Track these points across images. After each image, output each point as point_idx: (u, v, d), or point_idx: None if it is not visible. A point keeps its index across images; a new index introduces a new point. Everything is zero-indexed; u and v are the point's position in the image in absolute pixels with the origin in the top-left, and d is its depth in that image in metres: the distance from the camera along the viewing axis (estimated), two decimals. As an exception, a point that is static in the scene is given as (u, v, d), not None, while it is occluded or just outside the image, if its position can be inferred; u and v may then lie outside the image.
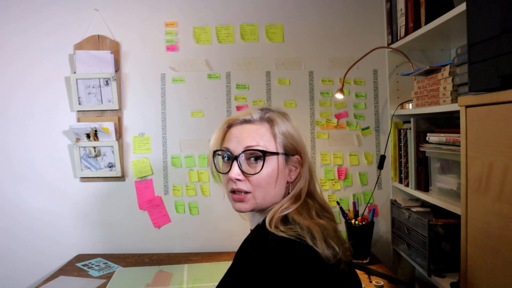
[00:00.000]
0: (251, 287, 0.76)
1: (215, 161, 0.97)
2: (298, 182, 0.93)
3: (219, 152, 0.95)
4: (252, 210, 0.93)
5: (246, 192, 0.90)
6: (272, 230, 0.82)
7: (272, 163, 0.90)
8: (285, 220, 0.85)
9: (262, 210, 0.93)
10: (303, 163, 0.94)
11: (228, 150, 0.92)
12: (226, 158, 0.94)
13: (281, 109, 0.99)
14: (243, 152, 0.90)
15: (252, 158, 0.90)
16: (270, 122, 0.93)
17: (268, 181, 0.89)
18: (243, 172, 0.90)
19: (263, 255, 0.79)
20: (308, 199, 0.92)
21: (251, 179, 0.89)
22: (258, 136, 0.91)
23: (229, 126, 0.96)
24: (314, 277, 0.77)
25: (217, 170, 0.97)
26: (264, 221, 0.87)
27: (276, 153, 0.90)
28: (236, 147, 0.91)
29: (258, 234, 0.87)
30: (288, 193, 0.93)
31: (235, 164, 0.90)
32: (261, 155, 0.89)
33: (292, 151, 0.93)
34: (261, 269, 0.77)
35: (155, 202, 1.98)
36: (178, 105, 1.98)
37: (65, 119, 1.95)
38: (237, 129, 0.94)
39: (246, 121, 0.94)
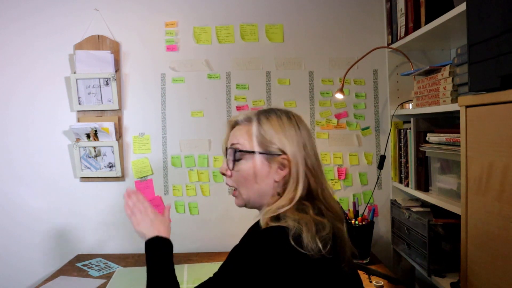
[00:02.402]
0: (235, 268, 0.82)
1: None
2: (288, 183, 0.92)
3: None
4: (245, 206, 0.99)
5: (236, 189, 0.98)
6: (263, 226, 0.86)
7: (249, 161, 0.94)
8: (277, 217, 0.86)
9: (259, 207, 0.97)
10: (291, 164, 0.92)
11: (226, 148, 1.01)
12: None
13: (276, 107, 1.01)
14: (226, 149, 0.99)
15: (233, 155, 0.96)
16: (251, 121, 0.96)
17: (246, 178, 0.94)
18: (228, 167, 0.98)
19: (247, 244, 0.86)
20: (305, 201, 0.90)
21: (233, 174, 0.97)
22: (240, 135, 0.97)
23: (232, 126, 1.03)
24: (282, 265, 0.79)
25: None
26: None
27: (251, 152, 0.94)
28: (227, 145, 1.00)
29: (255, 226, 0.94)
30: (278, 193, 0.93)
31: (224, 159, 1.00)
32: (237, 152, 0.95)
33: (274, 151, 0.93)
34: (243, 252, 0.84)
35: (155, 202, 1.98)
36: (178, 105, 1.98)
37: (65, 119, 1.95)
38: (234, 129, 1.01)
39: (237, 122, 1.00)
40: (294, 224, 0.81)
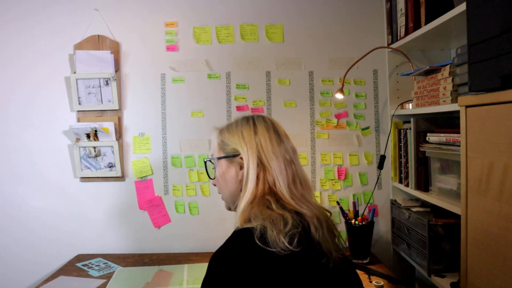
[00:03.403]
0: (211, 279, 0.84)
1: None
2: (247, 179, 0.96)
3: None
4: (229, 209, 1.07)
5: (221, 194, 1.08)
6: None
7: (218, 167, 1.04)
8: (248, 219, 0.89)
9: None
10: (245, 161, 0.97)
11: None
12: None
13: (252, 114, 1.07)
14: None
15: (208, 167, 1.11)
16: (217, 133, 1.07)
17: (219, 183, 1.05)
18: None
19: (219, 249, 0.88)
20: (267, 196, 0.93)
21: (215, 183, 1.08)
22: (212, 148, 1.08)
23: None
24: (248, 266, 0.80)
25: None
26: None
27: (218, 158, 1.03)
28: None
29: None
30: (241, 190, 0.98)
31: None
32: (210, 162, 1.09)
33: (231, 152, 1.01)
34: (212, 262, 0.86)
35: (155, 202, 1.98)
36: (178, 105, 1.98)
37: (65, 119, 1.95)
38: None
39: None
40: (260, 223, 0.84)
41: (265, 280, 0.80)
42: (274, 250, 0.80)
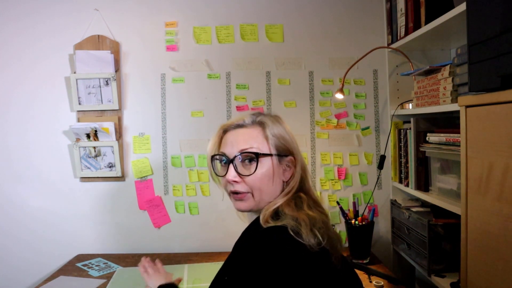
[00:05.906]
0: (240, 274, 0.82)
1: (214, 165, 1.01)
2: (292, 180, 0.97)
3: (217, 157, 1.00)
4: (250, 210, 0.97)
5: (246, 193, 0.95)
6: (263, 225, 0.87)
7: (266, 163, 0.94)
8: (276, 214, 0.89)
9: (259, 210, 0.96)
10: (296, 163, 0.98)
11: (224, 154, 0.98)
12: (223, 162, 0.99)
13: (273, 113, 1.04)
14: (238, 155, 0.94)
15: (247, 160, 0.94)
16: (262, 125, 0.98)
17: (263, 180, 0.94)
18: (239, 174, 0.94)
19: (250, 244, 0.86)
20: (300, 193, 0.95)
21: (246, 180, 0.94)
22: (252, 139, 0.95)
23: (224, 131, 1.02)
24: (290, 260, 0.80)
25: (216, 174, 1.02)
26: (259, 217, 0.92)
27: (270, 154, 0.95)
28: (231, 151, 0.96)
29: (253, 226, 0.93)
30: (281, 191, 0.97)
31: (231, 167, 0.95)
32: (255, 157, 0.93)
33: (284, 152, 0.97)
34: (247, 257, 0.82)
35: (155, 202, 1.98)
36: (178, 105, 1.98)
37: (65, 119, 1.95)
38: (232, 134, 0.99)
39: (239, 126, 0.99)
40: (292, 223, 0.83)
41: (300, 272, 0.79)
42: (307, 244, 0.81)
